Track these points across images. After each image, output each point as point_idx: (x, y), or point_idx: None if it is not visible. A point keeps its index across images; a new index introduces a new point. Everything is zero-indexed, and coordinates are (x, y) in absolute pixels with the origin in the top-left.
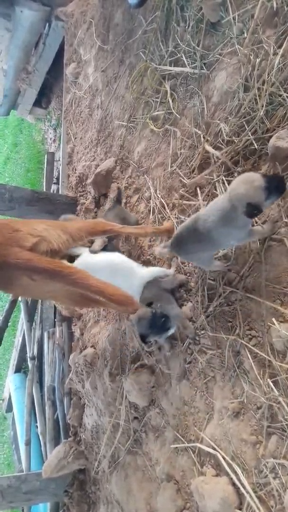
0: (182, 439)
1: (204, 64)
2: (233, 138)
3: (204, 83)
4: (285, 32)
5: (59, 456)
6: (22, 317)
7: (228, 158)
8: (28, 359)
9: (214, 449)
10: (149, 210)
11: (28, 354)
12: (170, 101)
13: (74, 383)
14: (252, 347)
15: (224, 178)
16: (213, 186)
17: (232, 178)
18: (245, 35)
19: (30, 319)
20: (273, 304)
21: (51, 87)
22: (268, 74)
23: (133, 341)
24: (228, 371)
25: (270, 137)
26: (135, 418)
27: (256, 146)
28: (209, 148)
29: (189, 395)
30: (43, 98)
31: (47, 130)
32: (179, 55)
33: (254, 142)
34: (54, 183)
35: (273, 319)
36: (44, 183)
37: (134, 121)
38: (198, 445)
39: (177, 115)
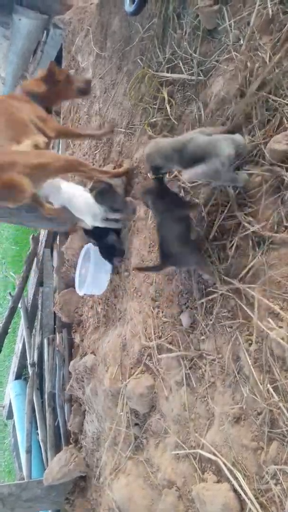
0: (183, 445)
1: (201, 70)
2: None
3: (201, 90)
4: (280, 39)
5: (60, 463)
6: (22, 323)
7: None
8: (28, 366)
9: (215, 455)
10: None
11: (28, 361)
12: (168, 107)
13: (75, 390)
14: (251, 353)
15: None
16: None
17: None
18: (242, 42)
19: (30, 325)
20: (272, 309)
21: None
22: (264, 80)
23: (133, 347)
24: (228, 377)
25: (266, 142)
26: (136, 424)
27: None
28: None
29: (190, 401)
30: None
31: None
32: (176, 61)
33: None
34: None
35: (273, 323)
36: None
37: (132, 127)
38: (199, 451)
39: (175, 121)
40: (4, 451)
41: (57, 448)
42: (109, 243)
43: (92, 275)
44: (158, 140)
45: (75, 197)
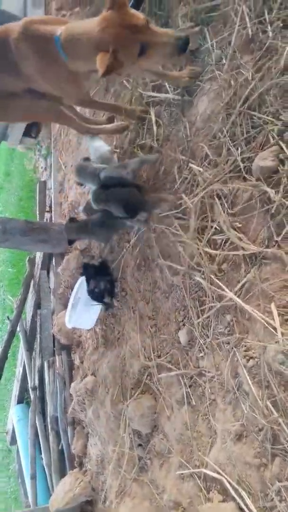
0: (187, 464)
1: (187, 90)
2: (217, 160)
3: (187, 109)
4: (261, 57)
5: (65, 488)
6: (21, 346)
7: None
8: (30, 390)
9: (219, 473)
10: None
11: (29, 384)
12: (155, 128)
13: (77, 412)
14: (249, 368)
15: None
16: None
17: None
18: (224, 61)
19: (30, 348)
20: (268, 324)
21: None
22: (248, 98)
23: (133, 367)
24: (228, 394)
25: (252, 161)
26: (139, 445)
27: (242, 166)
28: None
29: (191, 419)
30: (32, 128)
31: (38, 159)
32: (161, 81)
33: (240, 162)
34: (47, 211)
35: (269, 338)
36: (37, 212)
37: (122, 147)
38: (203, 470)
39: (163, 142)
40: (10, 477)
41: (62, 472)
42: (101, 288)
43: (81, 310)
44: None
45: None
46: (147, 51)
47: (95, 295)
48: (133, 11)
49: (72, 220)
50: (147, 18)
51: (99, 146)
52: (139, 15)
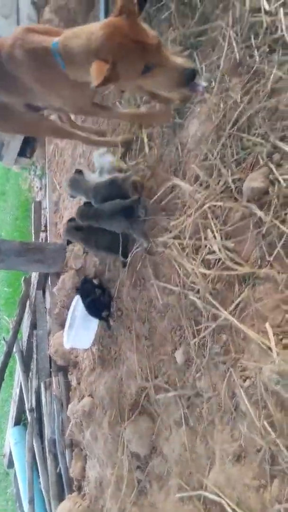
0: (187, 487)
1: (178, 113)
2: (209, 180)
3: (179, 131)
4: (249, 80)
5: None
6: (18, 368)
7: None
8: (27, 411)
9: (219, 496)
10: None
11: (26, 406)
12: (147, 149)
13: (75, 435)
14: (246, 389)
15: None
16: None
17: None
18: (213, 84)
19: (26, 369)
20: (263, 343)
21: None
22: (237, 120)
23: (130, 388)
24: (226, 414)
25: (243, 182)
26: (138, 467)
27: (233, 187)
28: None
29: (190, 440)
30: (27, 148)
31: (33, 178)
32: (153, 103)
33: (231, 183)
34: (42, 231)
35: (265, 358)
36: (33, 231)
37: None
38: (203, 493)
39: (155, 164)
40: (8, 501)
41: (60, 497)
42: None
43: (78, 328)
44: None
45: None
46: (151, 73)
47: (93, 310)
48: (145, 25)
49: (71, 220)
50: (159, 39)
51: (104, 158)
52: (151, 33)
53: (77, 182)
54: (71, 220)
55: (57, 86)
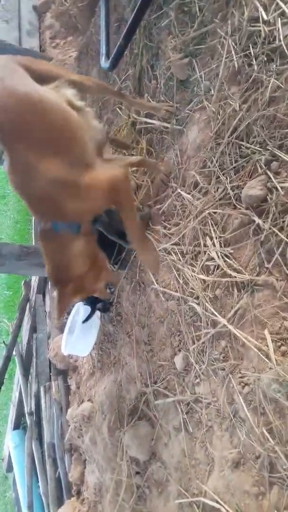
0: (186, 493)
1: (177, 119)
2: (208, 188)
3: (178, 138)
4: (248, 89)
5: None
6: (17, 371)
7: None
8: (26, 415)
9: (218, 502)
10: None
11: (26, 410)
12: (146, 157)
13: (74, 439)
14: (245, 395)
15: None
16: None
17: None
18: (212, 92)
19: (26, 373)
20: (262, 350)
21: None
22: (236, 128)
23: (129, 393)
24: (225, 420)
25: (241, 189)
26: (137, 473)
27: (232, 194)
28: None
29: (189, 446)
30: None
31: None
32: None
33: (230, 191)
34: None
35: (263, 365)
36: (33, 235)
37: None
38: (202, 499)
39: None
40: (6, 505)
41: (59, 502)
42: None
43: (78, 335)
44: None
45: None
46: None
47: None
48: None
49: None
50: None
51: None
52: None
53: None
54: None
55: None
